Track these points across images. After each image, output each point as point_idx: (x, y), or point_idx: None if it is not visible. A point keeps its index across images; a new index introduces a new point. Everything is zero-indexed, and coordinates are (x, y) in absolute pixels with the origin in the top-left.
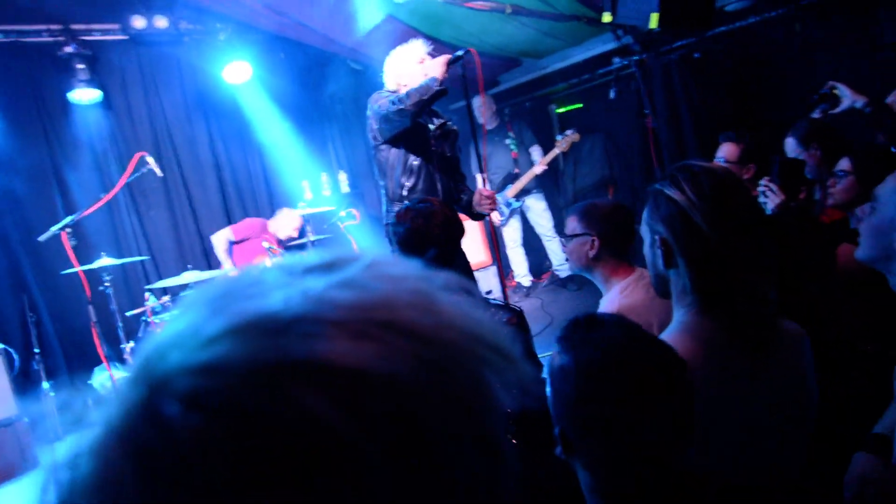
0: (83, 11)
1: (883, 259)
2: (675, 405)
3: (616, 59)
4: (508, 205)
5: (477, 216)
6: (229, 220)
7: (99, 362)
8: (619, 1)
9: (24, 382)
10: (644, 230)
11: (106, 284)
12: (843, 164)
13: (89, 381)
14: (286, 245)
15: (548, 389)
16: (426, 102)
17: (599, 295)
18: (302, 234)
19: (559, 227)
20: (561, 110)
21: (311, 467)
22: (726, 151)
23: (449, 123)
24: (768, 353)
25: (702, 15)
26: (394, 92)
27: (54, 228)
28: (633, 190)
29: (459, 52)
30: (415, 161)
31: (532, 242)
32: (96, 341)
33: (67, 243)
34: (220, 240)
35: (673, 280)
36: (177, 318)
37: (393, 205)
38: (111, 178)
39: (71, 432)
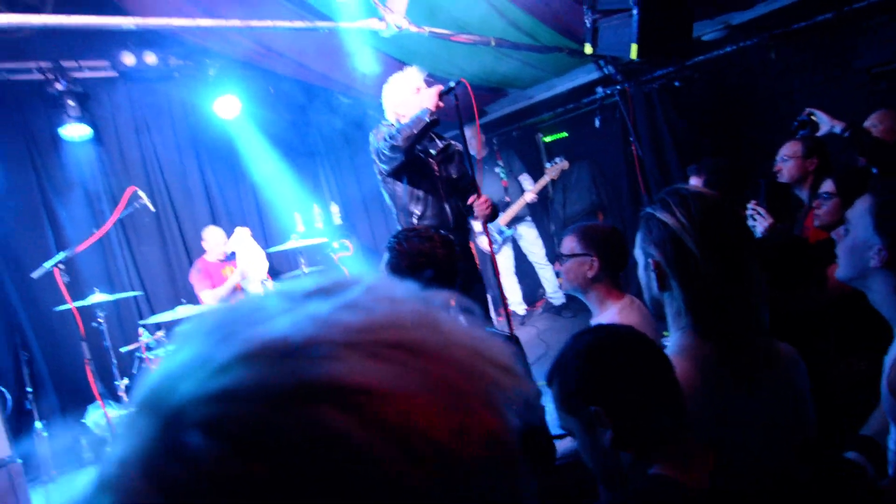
0: (73, 49)
1: (860, 278)
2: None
3: (599, 89)
4: (501, 233)
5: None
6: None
7: (92, 400)
8: (600, 33)
9: (16, 422)
10: (638, 254)
11: (99, 321)
12: (827, 186)
13: (83, 420)
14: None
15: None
16: (418, 136)
17: None
18: (295, 265)
19: (551, 255)
20: (548, 139)
21: (348, 486)
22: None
23: (452, 144)
24: (763, 374)
25: (680, 45)
26: (392, 125)
27: (47, 265)
28: (622, 216)
29: (452, 83)
30: (420, 189)
31: (525, 270)
32: (90, 378)
33: (60, 280)
34: (208, 297)
35: (667, 303)
36: (178, 351)
37: None
38: (103, 214)
39: (65, 473)
